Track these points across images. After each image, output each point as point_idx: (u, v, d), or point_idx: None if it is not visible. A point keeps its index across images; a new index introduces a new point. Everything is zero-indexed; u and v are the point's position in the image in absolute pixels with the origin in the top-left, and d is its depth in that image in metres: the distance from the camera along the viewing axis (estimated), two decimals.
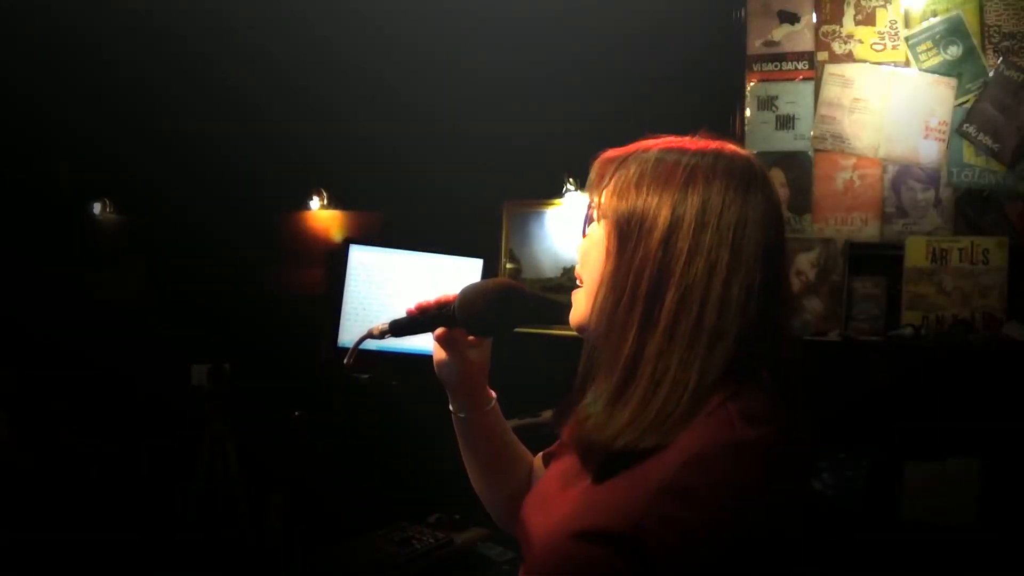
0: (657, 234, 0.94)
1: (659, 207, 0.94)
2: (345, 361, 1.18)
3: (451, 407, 1.22)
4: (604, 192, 1.00)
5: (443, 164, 3.44)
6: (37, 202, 4.19)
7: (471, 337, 1.17)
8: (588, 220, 1.04)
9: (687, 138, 1.02)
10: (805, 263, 2.90)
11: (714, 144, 1.00)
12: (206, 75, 3.88)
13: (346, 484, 3.19)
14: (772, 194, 0.98)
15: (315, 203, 3.89)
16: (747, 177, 0.96)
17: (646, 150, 1.00)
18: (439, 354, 1.18)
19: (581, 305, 1.03)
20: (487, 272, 3.07)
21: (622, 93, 3.14)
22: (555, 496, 1.03)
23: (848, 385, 2.71)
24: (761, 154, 2.99)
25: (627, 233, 0.95)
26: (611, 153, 1.03)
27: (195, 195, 3.94)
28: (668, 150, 0.99)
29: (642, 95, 3.08)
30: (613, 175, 1.00)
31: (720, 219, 0.93)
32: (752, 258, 0.93)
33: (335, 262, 3.11)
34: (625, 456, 0.90)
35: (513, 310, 1.13)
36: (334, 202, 3.90)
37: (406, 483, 3.11)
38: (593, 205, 1.02)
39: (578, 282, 1.06)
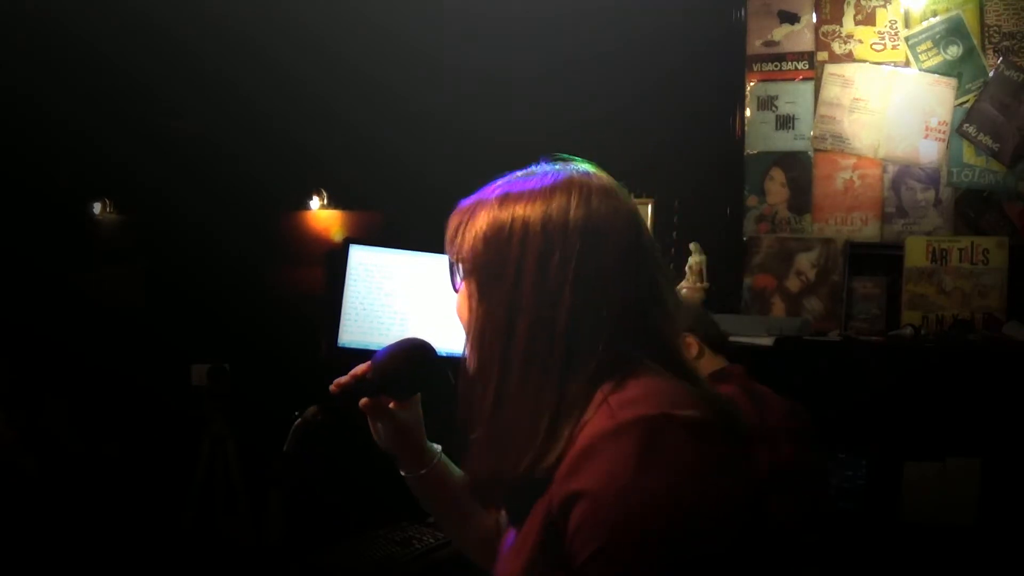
0: (510, 271, 0.96)
1: (506, 253, 0.97)
2: (285, 448, 1.20)
3: (400, 471, 1.25)
4: (459, 246, 1.03)
5: (443, 164, 3.44)
6: (37, 202, 4.18)
7: (393, 404, 1.18)
8: (452, 275, 1.07)
9: (531, 169, 1.05)
10: (805, 263, 2.90)
11: (551, 173, 1.02)
12: (206, 75, 3.88)
13: (346, 484, 3.18)
14: (619, 201, 0.99)
15: (315, 203, 3.89)
16: (587, 191, 0.98)
17: (487, 197, 1.04)
18: (373, 425, 1.20)
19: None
20: None
21: (622, 93, 3.14)
22: (506, 556, 1.04)
23: (848, 385, 2.71)
24: (761, 154, 3.00)
25: (483, 282, 0.99)
26: (461, 206, 1.07)
27: (195, 195, 3.93)
28: (506, 195, 1.02)
29: (642, 95, 3.07)
30: (463, 229, 1.03)
31: (564, 244, 0.95)
32: (607, 268, 0.95)
33: (335, 262, 3.10)
34: (528, 488, 0.93)
35: (424, 364, 1.16)
36: (334, 202, 3.89)
37: (406, 483, 3.10)
38: (453, 260, 1.05)
39: None
